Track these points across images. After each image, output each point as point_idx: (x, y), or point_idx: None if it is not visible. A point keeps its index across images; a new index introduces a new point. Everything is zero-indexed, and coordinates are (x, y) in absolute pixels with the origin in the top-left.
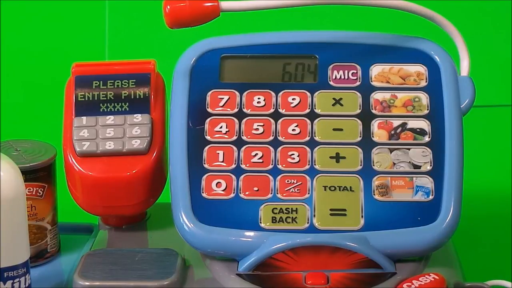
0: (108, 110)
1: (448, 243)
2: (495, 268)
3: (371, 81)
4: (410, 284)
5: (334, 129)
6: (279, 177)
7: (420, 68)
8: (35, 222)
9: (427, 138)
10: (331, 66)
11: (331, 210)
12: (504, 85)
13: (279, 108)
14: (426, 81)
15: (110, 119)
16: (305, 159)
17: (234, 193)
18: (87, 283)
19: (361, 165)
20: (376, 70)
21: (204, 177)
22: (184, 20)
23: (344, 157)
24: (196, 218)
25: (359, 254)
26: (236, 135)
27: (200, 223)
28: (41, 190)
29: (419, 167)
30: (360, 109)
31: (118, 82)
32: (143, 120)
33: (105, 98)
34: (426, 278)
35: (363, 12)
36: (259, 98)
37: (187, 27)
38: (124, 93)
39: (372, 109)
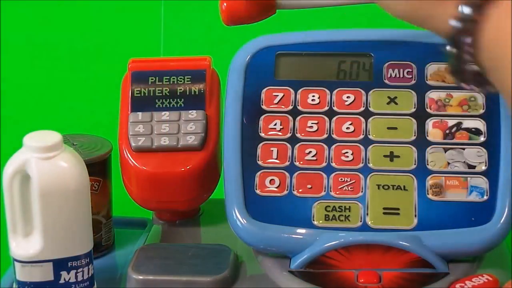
0: (164, 106)
1: (502, 244)
2: None
3: (427, 80)
4: (463, 284)
5: (388, 128)
6: (332, 175)
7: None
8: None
9: (482, 138)
10: (386, 65)
11: (384, 209)
12: None
13: (334, 106)
14: None
15: (165, 115)
16: (358, 157)
17: (287, 190)
18: (140, 277)
19: (415, 164)
20: (431, 68)
21: (258, 174)
22: (240, 17)
23: (398, 156)
24: (249, 215)
25: (411, 254)
26: (290, 133)
27: (253, 220)
28: (96, 184)
29: (474, 167)
30: (415, 108)
31: (173, 78)
32: (198, 116)
33: (160, 94)
34: (479, 279)
35: None
36: (313, 96)
37: (242, 24)
38: (180, 89)
39: (427, 108)
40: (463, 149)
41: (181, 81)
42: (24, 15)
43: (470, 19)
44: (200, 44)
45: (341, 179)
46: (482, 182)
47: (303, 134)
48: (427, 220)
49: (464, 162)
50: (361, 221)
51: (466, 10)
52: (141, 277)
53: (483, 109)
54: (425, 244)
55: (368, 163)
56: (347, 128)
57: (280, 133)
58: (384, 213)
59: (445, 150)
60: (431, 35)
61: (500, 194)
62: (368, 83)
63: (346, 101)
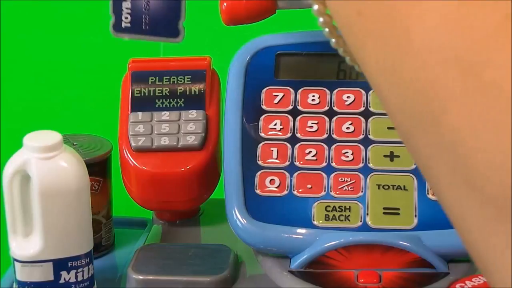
0: (164, 106)
1: None
2: None
3: None
4: (463, 284)
5: (388, 128)
6: (332, 175)
7: None
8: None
9: None
10: None
11: (384, 208)
12: None
13: (334, 106)
14: None
15: (165, 114)
16: (359, 157)
17: (287, 190)
18: (140, 277)
19: (415, 164)
20: None
21: (258, 173)
22: (240, 17)
23: (398, 156)
24: (249, 215)
25: (411, 254)
26: (290, 133)
27: (253, 220)
28: (96, 184)
29: None
30: None
31: (173, 78)
32: (198, 116)
33: (160, 94)
34: (479, 279)
35: None
36: (313, 96)
37: (242, 24)
38: (180, 89)
39: None
40: None
41: (181, 81)
42: (24, 15)
43: None
44: (200, 44)
45: (341, 179)
46: None
47: (303, 134)
48: (427, 220)
49: None
50: (361, 221)
51: None
52: (141, 277)
53: None
54: (425, 244)
55: (368, 163)
56: (347, 128)
57: (280, 133)
58: (384, 213)
59: None
60: None
61: None
62: (368, 83)
63: (346, 101)
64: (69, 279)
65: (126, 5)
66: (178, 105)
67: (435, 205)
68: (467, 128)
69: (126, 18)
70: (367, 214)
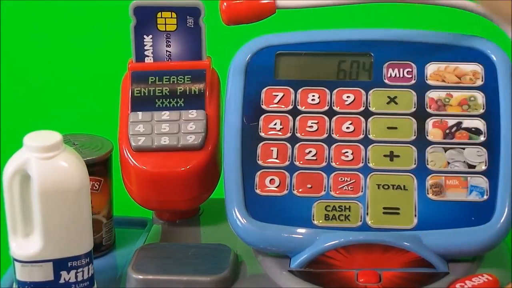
0: (164, 105)
1: (502, 243)
2: None
3: (427, 79)
4: (463, 284)
5: (388, 128)
6: (332, 174)
7: (476, 67)
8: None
9: (482, 138)
10: (386, 64)
11: (384, 208)
12: None
13: (334, 105)
14: (482, 80)
15: (165, 114)
16: (358, 157)
17: (287, 190)
18: (140, 277)
19: (415, 164)
20: (431, 68)
21: (258, 173)
22: (240, 17)
23: (398, 156)
24: (249, 214)
25: (411, 253)
26: (290, 132)
27: (253, 219)
28: (97, 184)
29: (474, 166)
30: (414, 107)
31: (173, 78)
32: (198, 116)
33: (160, 94)
34: (479, 278)
35: (419, 10)
36: (313, 96)
37: (242, 24)
38: (180, 89)
39: (427, 107)
40: (463, 148)
41: (181, 80)
42: (24, 15)
43: None
44: None
45: (341, 178)
46: (482, 182)
47: (303, 134)
48: (427, 220)
49: (464, 161)
50: (361, 220)
51: None
52: (141, 277)
53: (483, 108)
54: (425, 244)
55: (368, 162)
56: (347, 128)
57: (280, 133)
58: (384, 213)
59: (445, 149)
60: (431, 35)
61: (500, 194)
62: (368, 83)
63: (346, 100)
64: (69, 279)
65: (148, 60)
66: (178, 105)
67: (435, 204)
68: None
69: None
70: (367, 213)
